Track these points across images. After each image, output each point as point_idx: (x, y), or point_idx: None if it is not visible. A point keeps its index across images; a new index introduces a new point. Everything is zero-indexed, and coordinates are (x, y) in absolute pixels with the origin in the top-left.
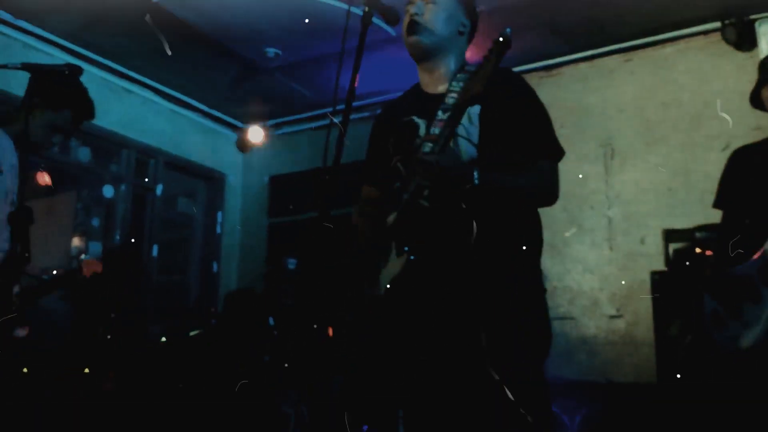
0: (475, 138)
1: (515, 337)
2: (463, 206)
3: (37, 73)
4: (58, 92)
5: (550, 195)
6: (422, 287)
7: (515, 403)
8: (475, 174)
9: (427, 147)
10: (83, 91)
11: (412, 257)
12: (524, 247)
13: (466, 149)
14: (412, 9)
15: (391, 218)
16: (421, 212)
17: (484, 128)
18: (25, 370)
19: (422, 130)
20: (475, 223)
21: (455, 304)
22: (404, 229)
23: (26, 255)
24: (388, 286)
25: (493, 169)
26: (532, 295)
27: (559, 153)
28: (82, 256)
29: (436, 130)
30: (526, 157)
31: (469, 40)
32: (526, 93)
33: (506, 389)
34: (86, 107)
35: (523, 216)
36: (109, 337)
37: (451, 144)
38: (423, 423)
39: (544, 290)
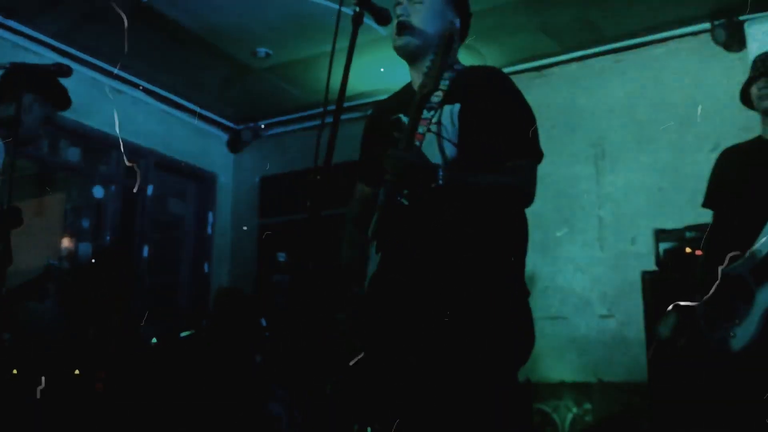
0: (455, 137)
1: (494, 339)
2: (430, 205)
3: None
4: (43, 86)
5: (525, 195)
6: (400, 286)
7: (493, 405)
8: (440, 173)
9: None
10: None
11: (390, 254)
12: (506, 248)
13: (447, 148)
14: (398, 10)
15: (374, 217)
16: (399, 211)
17: (463, 127)
18: (14, 371)
19: None
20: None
21: (433, 304)
22: (383, 227)
23: (8, 256)
24: (367, 285)
25: (464, 168)
26: (514, 296)
27: (537, 154)
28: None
29: (422, 128)
30: (504, 157)
31: (462, 37)
32: (509, 92)
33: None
34: (63, 96)
35: (505, 216)
36: (99, 338)
37: (417, 141)
38: (409, 423)
39: (527, 293)
